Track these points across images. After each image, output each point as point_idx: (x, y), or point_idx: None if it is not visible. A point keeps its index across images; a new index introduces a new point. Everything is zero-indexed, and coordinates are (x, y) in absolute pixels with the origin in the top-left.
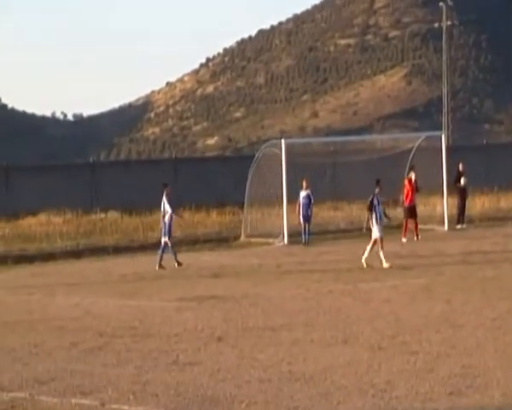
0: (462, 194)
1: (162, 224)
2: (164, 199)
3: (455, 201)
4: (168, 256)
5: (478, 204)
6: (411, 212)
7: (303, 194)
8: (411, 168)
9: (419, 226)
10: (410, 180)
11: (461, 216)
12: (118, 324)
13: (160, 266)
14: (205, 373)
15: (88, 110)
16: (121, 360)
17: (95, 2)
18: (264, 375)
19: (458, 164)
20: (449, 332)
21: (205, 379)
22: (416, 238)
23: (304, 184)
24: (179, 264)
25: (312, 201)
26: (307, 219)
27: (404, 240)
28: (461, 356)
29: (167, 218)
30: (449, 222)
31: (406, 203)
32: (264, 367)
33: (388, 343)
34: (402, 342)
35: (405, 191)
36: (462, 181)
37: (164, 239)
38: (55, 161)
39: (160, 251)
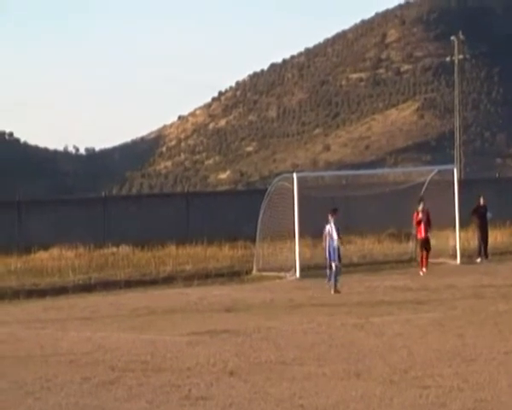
0: (485, 227)
1: (331, 249)
2: (332, 224)
3: (468, 234)
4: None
5: (490, 238)
6: (424, 244)
7: (328, 228)
8: (420, 200)
9: (429, 260)
10: (418, 213)
11: (483, 250)
12: (129, 358)
13: (336, 290)
14: (217, 408)
15: (100, 144)
16: (133, 394)
17: (107, 37)
18: (277, 409)
19: (479, 198)
20: (461, 366)
21: None
22: (423, 270)
23: (330, 217)
24: (337, 291)
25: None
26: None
27: (421, 273)
28: (473, 390)
29: (335, 243)
30: (461, 256)
31: (419, 236)
32: (276, 401)
33: (400, 377)
34: (414, 377)
35: (415, 224)
36: (489, 215)
37: (335, 264)
38: (67, 196)
39: (333, 277)
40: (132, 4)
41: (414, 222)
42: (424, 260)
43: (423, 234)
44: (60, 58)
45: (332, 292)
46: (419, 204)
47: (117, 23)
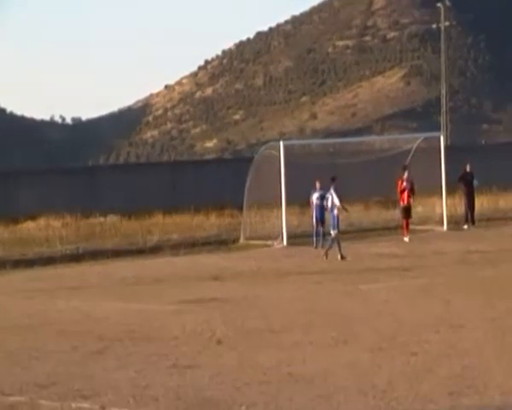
0: (471, 194)
1: (332, 216)
2: (332, 192)
3: (454, 201)
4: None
5: (477, 204)
6: (406, 212)
7: (316, 195)
8: (405, 168)
9: (412, 227)
10: (402, 180)
11: (469, 216)
12: (118, 327)
13: (342, 257)
14: (204, 376)
15: (87, 114)
16: (121, 363)
17: (93, 6)
18: (264, 377)
19: (465, 165)
20: (448, 332)
21: (204, 382)
22: (404, 238)
23: (317, 184)
24: (343, 257)
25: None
26: (323, 221)
27: (405, 239)
28: (460, 356)
29: (336, 211)
30: (448, 222)
31: (401, 203)
32: (263, 369)
33: (388, 344)
34: (402, 343)
35: (399, 191)
36: (476, 182)
37: (333, 232)
38: (53, 165)
39: (328, 243)
40: None
41: (398, 190)
42: (406, 227)
43: (406, 201)
44: (47, 27)
45: (324, 258)
46: (403, 172)
47: None
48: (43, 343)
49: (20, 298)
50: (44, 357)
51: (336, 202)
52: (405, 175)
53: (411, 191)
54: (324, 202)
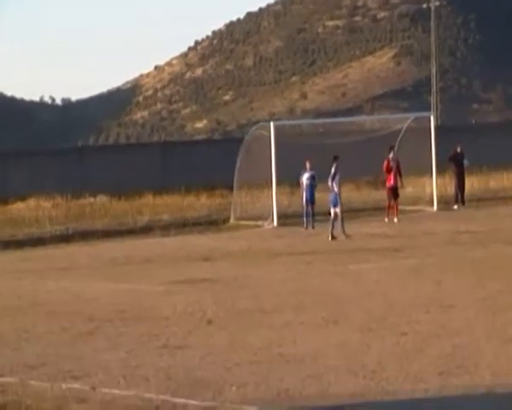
0: (462, 175)
1: (333, 195)
2: (334, 171)
3: (445, 181)
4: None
5: (467, 184)
6: (393, 192)
7: (306, 175)
8: (391, 148)
9: (403, 207)
10: (389, 161)
11: (460, 196)
12: (108, 308)
13: (333, 237)
14: (195, 356)
15: (76, 94)
16: (111, 344)
17: None
18: (255, 357)
19: (456, 145)
20: (439, 313)
21: (195, 362)
22: (393, 220)
23: (307, 165)
24: (348, 236)
25: (317, 181)
26: (313, 201)
27: (395, 220)
28: (451, 336)
29: (337, 189)
30: (438, 203)
31: (388, 184)
32: (254, 350)
33: (378, 324)
34: (392, 323)
35: (385, 171)
36: (466, 162)
37: (332, 210)
38: (43, 146)
39: (330, 223)
40: None
41: (384, 170)
42: (394, 207)
43: (392, 182)
44: (37, 10)
45: (329, 239)
46: (389, 153)
47: None
48: (33, 324)
49: (10, 279)
50: (34, 338)
51: (329, 180)
52: (391, 155)
53: (398, 172)
54: (300, 180)
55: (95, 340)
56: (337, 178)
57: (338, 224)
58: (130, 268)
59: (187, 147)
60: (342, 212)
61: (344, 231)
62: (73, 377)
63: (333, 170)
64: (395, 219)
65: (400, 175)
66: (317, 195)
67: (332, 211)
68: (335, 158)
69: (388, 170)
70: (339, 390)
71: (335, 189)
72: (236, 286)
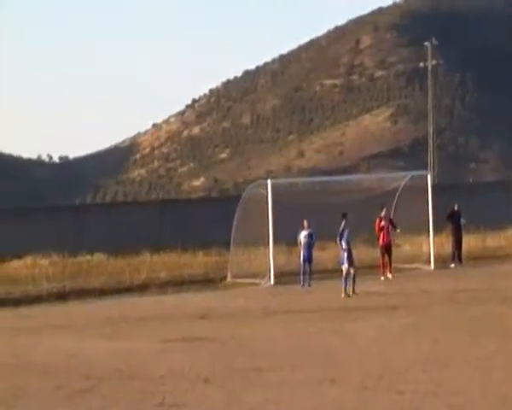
0: (459, 233)
1: (343, 252)
2: (344, 228)
3: (442, 240)
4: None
5: (464, 243)
6: (386, 250)
7: (304, 233)
8: (383, 206)
9: (400, 266)
10: (381, 219)
11: (457, 255)
12: (104, 366)
13: (346, 294)
14: None
15: (74, 152)
16: (107, 402)
17: (80, 44)
18: None
19: (454, 204)
20: (436, 371)
21: None
22: (387, 276)
23: (305, 223)
24: (348, 295)
25: (314, 239)
26: (310, 259)
27: (389, 276)
28: (447, 395)
29: (345, 246)
30: (435, 261)
31: (381, 242)
32: (250, 408)
33: (375, 383)
34: (389, 382)
35: (377, 230)
36: (463, 221)
37: (343, 267)
38: (41, 204)
39: (343, 281)
40: (105, 12)
41: (376, 228)
42: (387, 265)
43: (385, 240)
44: (34, 67)
45: (342, 296)
46: (381, 211)
47: (89, 30)
48: (29, 383)
49: (6, 337)
50: (29, 396)
51: (337, 238)
52: (383, 213)
53: (392, 226)
54: (298, 239)
55: (90, 398)
56: (345, 235)
57: (350, 280)
58: (127, 326)
59: (184, 205)
60: (355, 269)
61: (346, 290)
62: None
63: (341, 228)
64: (389, 275)
65: (395, 228)
66: (315, 253)
67: (343, 269)
68: (344, 215)
69: (380, 228)
70: None
71: (343, 246)
72: (233, 345)
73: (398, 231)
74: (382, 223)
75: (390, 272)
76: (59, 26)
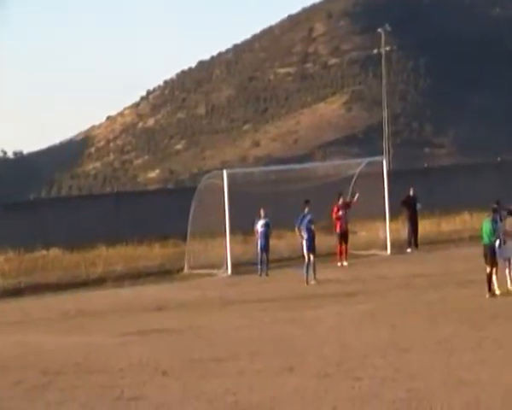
0: (415, 218)
1: (307, 240)
2: (308, 215)
3: (398, 225)
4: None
5: (420, 228)
6: (343, 237)
7: (261, 222)
8: (340, 195)
9: (356, 252)
10: (338, 207)
11: (413, 240)
12: (62, 361)
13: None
14: (150, 407)
15: (28, 147)
16: (65, 397)
17: (34, 40)
18: (210, 407)
19: (409, 189)
20: (394, 357)
21: None
22: (343, 264)
23: (261, 212)
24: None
25: (271, 228)
26: (267, 248)
27: (345, 263)
28: (406, 380)
29: (305, 234)
30: (391, 247)
31: (338, 230)
32: (209, 399)
33: (334, 370)
34: (348, 369)
35: (334, 218)
36: (419, 206)
37: (312, 255)
38: None
39: (305, 269)
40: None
41: (333, 216)
42: (344, 253)
43: (343, 227)
44: None
45: (305, 284)
46: (338, 199)
47: (43, 22)
48: None
49: None
50: None
51: (297, 226)
52: (340, 201)
53: (347, 207)
54: (255, 228)
55: (49, 393)
56: (305, 222)
57: (305, 268)
58: (84, 320)
59: (139, 197)
60: (315, 256)
61: (307, 278)
62: None
63: (302, 214)
64: (345, 263)
65: (349, 207)
66: (272, 242)
67: (311, 256)
68: (307, 202)
69: (338, 217)
70: None
71: (303, 233)
72: (191, 335)
73: (356, 197)
74: (340, 212)
75: (346, 260)
76: (7, 25)
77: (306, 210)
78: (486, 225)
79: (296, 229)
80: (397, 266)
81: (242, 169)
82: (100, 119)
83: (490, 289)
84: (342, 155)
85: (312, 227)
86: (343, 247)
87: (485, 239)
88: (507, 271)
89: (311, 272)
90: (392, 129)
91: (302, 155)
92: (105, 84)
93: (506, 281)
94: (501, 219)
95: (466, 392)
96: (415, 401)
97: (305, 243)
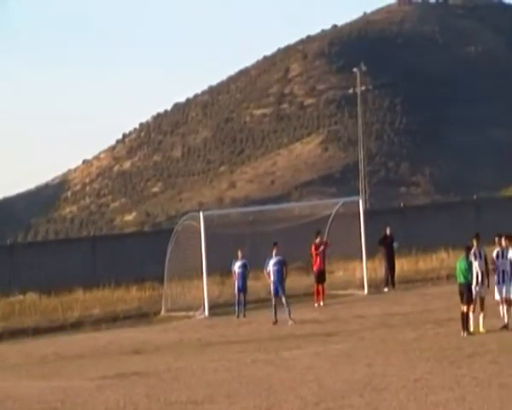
0: (392, 257)
1: (277, 283)
2: (276, 257)
3: (374, 264)
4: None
5: (397, 267)
6: (320, 277)
7: (238, 264)
8: (318, 233)
9: (334, 292)
10: (316, 246)
11: (390, 279)
12: (39, 406)
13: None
14: None
15: (4, 192)
16: None
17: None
18: None
19: (385, 228)
20: (372, 396)
21: None
22: (320, 304)
23: (239, 254)
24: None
25: (248, 269)
26: (245, 289)
27: (322, 304)
28: None
29: (271, 276)
30: (368, 286)
31: (315, 268)
32: None
33: None
34: (325, 409)
35: (313, 257)
36: (395, 245)
37: (284, 297)
38: None
39: (286, 310)
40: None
41: (311, 255)
42: (321, 293)
43: (320, 267)
44: None
45: (291, 323)
46: (316, 237)
47: (16, 67)
48: None
49: None
50: None
51: (265, 268)
52: (318, 240)
53: (325, 244)
54: (232, 269)
55: None
56: (270, 264)
57: (286, 309)
58: (62, 365)
59: (116, 240)
60: (286, 297)
61: (275, 317)
62: None
63: (275, 257)
64: (321, 303)
65: (327, 246)
66: (249, 283)
67: (284, 299)
68: (275, 244)
69: (316, 255)
70: None
71: (269, 275)
72: (168, 378)
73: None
74: (317, 250)
75: (323, 300)
76: None
77: (274, 252)
78: (461, 264)
79: (264, 272)
80: (374, 305)
81: (219, 211)
82: (76, 162)
83: (466, 327)
84: (319, 195)
85: (281, 268)
86: (320, 287)
87: (461, 278)
88: (500, 307)
89: (281, 311)
90: (368, 168)
91: (279, 195)
92: (81, 128)
93: (479, 322)
94: (480, 256)
95: None
96: None
97: (272, 285)
